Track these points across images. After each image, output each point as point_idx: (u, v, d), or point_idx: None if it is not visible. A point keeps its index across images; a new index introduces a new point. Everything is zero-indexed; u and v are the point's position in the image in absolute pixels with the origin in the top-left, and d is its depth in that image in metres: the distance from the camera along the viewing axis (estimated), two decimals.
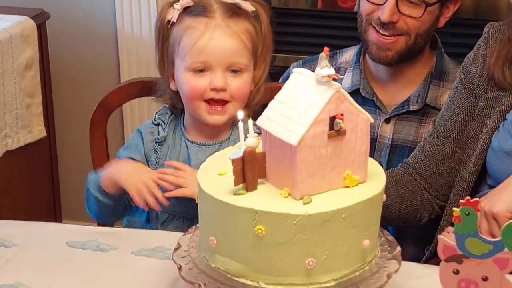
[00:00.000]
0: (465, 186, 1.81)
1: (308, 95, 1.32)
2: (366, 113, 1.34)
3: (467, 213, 1.16)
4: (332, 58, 2.25)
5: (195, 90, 1.80)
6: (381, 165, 2.10)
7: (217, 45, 1.77)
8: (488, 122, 1.81)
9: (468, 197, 1.15)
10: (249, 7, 1.84)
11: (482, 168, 1.80)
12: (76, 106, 3.03)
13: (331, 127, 1.30)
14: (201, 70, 1.79)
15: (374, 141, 2.14)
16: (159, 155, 1.89)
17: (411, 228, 2.07)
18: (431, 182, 1.89)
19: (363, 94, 2.16)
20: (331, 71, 1.30)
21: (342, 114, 1.31)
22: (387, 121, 2.14)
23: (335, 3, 2.70)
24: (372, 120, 1.35)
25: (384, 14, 2.02)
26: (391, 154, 2.14)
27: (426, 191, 1.90)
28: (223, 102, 1.81)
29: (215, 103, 1.81)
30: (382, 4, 2.03)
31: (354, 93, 2.16)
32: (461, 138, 1.86)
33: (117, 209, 1.90)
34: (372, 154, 2.11)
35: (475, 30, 2.53)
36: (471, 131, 1.84)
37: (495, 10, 2.48)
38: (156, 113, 1.95)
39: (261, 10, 1.86)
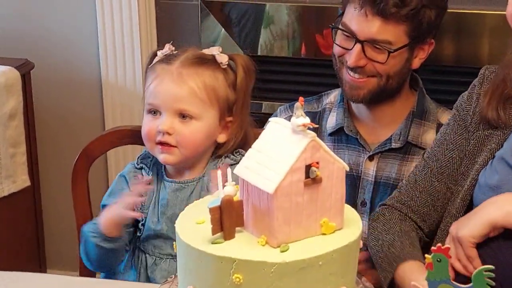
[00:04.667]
0: (452, 222, 1.82)
1: (284, 144, 1.34)
2: (341, 161, 1.36)
3: (438, 259, 1.17)
4: (318, 100, 2.30)
5: (147, 131, 1.88)
6: (365, 202, 2.15)
7: (164, 90, 1.85)
8: (479, 160, 1.83)
9: (439, 244, 1.17)
10: (223, 59, 1.89)
11: (469, 204, 1.82)
12: (61, 155, 3.04)
13: (307, 175, 1.32)
14: (154, 112, 1.87)
15: (358, 178, 2.17)
16: (144, 198, 1.91)
17: None
18: (426, 219, 1.90)
19: (347, 132, 2.19)
20: (306, 120, 1.32)
21: (317, 162, 1.32)
22: (371, 158, 2.17)
23: (318, 50, 2.73)
24: (347, 168, 1.37)
25: (351, 59, 2.07)
26: (374, 191, 2.17)
27: (419, 229, 1.91)
28: (170, 145, 1.86)
29: (163, 145, 1.86)
30: (350, 49, 2.07)
31: (339, 131, 2.20)
32: (455, 175, 1.87)
33: (121, 252, 1.92)
34: (356, 191, 2.17)
35: (456, 77, 2.60)
36: (463, 168, 1.86)
37: (475, 58, 2.51)
38: (138, 157, 1.99)
39: (238, 63, 1.91)
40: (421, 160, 1.95)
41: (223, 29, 2.79)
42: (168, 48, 1.92)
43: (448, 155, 1.88)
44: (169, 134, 1.84)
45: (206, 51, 1.91)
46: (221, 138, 1.91)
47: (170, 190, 1.91)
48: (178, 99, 1.84)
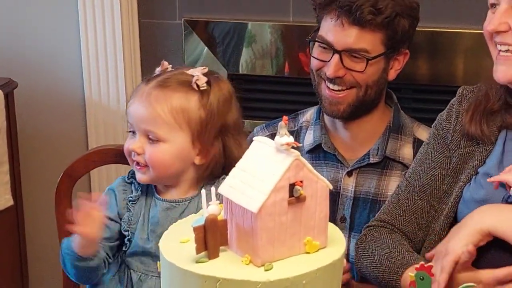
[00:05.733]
0: (436, 239, 1.83)
1: (268, 163, 1.35)
2: (325, 179, 1.36)
3: (421, 278, 1.18)
4: (294, 119, 2.32)
5: (125, 149, 1.91)
6: (345, 218, 2.16)
7: (134, 110, 1.87)
8: (462, 177, 1.84)
9: (422, 262, 1.18)
10: (200, 81, 1.87)
11: (453, 222, 1.83)
12: (44, 174, 3.03)
13: (291, 194, 1.33)
14: (134, 132, 1.89)
15: (337, 194, 2.19)
16: (131, 213, 1.92)
17: None
18: (412, 238, 1.90)
19: (325, 149, 2.21)
20: (290, 139, 1.33)
21: (301, 181, 1.33)
22: (349, 174, 2.19)
23: (301, 69, 2.75)
24: (331, 187, 1.37)
25: (330, 70, 2.09)
26: (353, 207, 2.18)
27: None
28: (142, 165, 1.88)
29: (137, 164, 1.88)
30: (328, 61, 2.09)
31: (316, 148, 2.23)
32: (438, 193, 1.88)
33: (98, 268, 1.90)
34: (335, 207, 2.18)
35: (433, 96, 2.62)
36: (446, 186, 1.87)
37: (451, 76, 2.54)
38: (129, 171, 1.99)
39: (214, 87, 1.88)
40: (403, 180, 1.96)
41: (206, 48, 2.80)
42: (162, 66, 1.92)
43: (430, 173, 1.90)
44: (138, 153, 1.86)
45: (190, 72, 1.91)
46: (198, 160, 1.89)
47: (161, 209, 1.91)
48: (144, 121, 1.85)
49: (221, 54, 2.80)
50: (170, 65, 1.94)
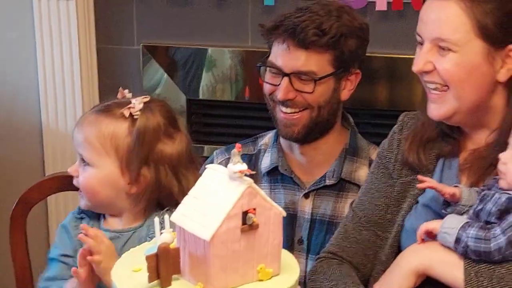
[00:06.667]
0: (383, 269, 1.83)
1: (221, 190, 1.34)
2: (278, 207, 1.36)
3: None
4: (254, 142, 2.33)
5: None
6: (302, 240, 2.16)
7: (74, 134, 1.90)
8: (404, 206, 1.85)
9: None
10: (135, 109, 1.85)
11: (398, 251, 1.83)
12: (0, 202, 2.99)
13: (244, 222, 1.33)
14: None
15: (294, 217, 2.19)
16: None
17: None
18: (360, 268, 1.90)
19: (282, 172, 2.22)
20: (243, 167, 1.33)
21: (254, 209, 1.33)
22: (306, 196, 2.20)
23: (261, 94, 2.75)
24: (284, 214, 1.38)
25: (280, 93, 2.11)
26: (311, 229, 2.19)
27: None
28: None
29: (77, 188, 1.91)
30: (278, 85, 2.11)
31: (274, 171, 2.23)
32: (383, 222, 1.89)
33: None
34: (293, 229, 2.19)
35: (391, 120, 2.64)
36: (389, 215, 1.88)
37: (410, 102, 2.56)
38: (78, 206, 1.96)
39: (143, 115, 1.85)
40: (350, 210, 1.97)
41: (165, 74, 2.80)
42: (120, 93, 1.91)
43: (374, 202, 1.90)
44: (75, 176, 1.90)
45: (132, 100, 1.88)
46: (129, 188, 1.86)
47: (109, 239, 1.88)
48: (77, 144, 1.88)
49: (180, 80, 2.80)
50: (130, 93, 1.92)
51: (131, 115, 1.84)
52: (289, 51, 2.09)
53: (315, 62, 2.09)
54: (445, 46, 1.69)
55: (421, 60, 1.73)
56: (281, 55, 2.11)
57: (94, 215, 1.94)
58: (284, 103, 2.12)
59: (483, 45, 1.68)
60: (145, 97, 1.88)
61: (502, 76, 1.71)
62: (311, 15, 2.08)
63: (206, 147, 2.85)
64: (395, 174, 1.88)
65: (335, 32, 2.08)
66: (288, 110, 2.13)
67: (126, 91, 1.92)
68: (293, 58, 2.09)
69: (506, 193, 1.60)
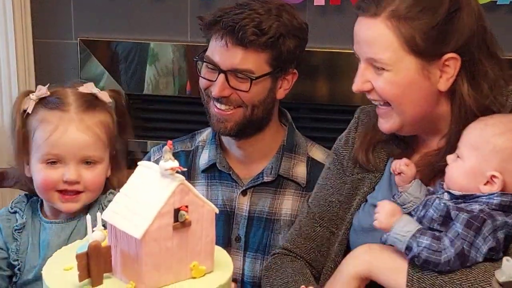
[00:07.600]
0: (333, 266, 1.84)
1: (152, 188, 1.33)
2: (211, 203, 1.36)
3: None
4: (192, 139, 2.31)
5: (48, 181, 1.82)
6: (240, 237, 2.16)
7: (70, 139, 1.81)
8: (353, 203, 1.86)
9: None
10: (106, 97, 1.88)
11: (347, 249, 1.84)
12: None
13: (176, 219, 1.32)
14: (54, 162, 1.82)
15: (232, 214, 2.19)
16: (19, 242, 1.87)
17: None
18: (314, 265, 1.91)
19: (219, 168, 2.21)
20: (175, 164, 1.32)
21: (187, 206, 1.32)
22: (244, 193, 2.20)
23: None
24: (217, 211, 1.37)
25: (215, 90, 2.10)
26: (248, 226, 2.18)
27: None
28: (77, 192, 1.83)
29: (68, 193, 1.83)
30: (214, 81, 2.10)
31: (211, 168, 2.22)
32: (336, 219, 1.89)
33: None
34: (230, 227, 2.18)
35: (331, 115, 2.66)
36: (341, 212, 1.89)
37: (349, 97, 2.56)
38: (12, 201, 1.94)
39: (117, 99, 1.92)
40: (305, 205, 1.97)
41: (104, 68, 2.77)
42: (44, 91, 1.87)
43: (328, 199, 1.91)
44: (77, 183, 1.82)
45: (83, 89, 1.88)
46: (109, 173, 1.90)
47: (51, 231, 1.86)
48: (85, 147, 1.82)
49: (123, 74, 2.77)
50: (46, 87, 1.88)
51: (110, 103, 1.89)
52: (227, 48, 2.07)
53: (253, 61, 2.08)
54: (379, 65, 1.69)
55: (359, 80, 1.73)
56: (219, 51, 2.09)
57: (28, 210, 1.91)
58: (219, 99, 2.11)
59: (416, 61, 1.67)
60: (92, 84, 1.90)
61: (443, 85, 1.70)
62: (250, 13, 2.07)
63: (149, 142, 2.83)
64: (348, 171, 1.89)
65: (274, 32, 2.07)
66: (222, 106, 2.12)
67: (43, 87, 1.88)
68: (230, 56, 2.07)
69: (443, 199, 1.61)
